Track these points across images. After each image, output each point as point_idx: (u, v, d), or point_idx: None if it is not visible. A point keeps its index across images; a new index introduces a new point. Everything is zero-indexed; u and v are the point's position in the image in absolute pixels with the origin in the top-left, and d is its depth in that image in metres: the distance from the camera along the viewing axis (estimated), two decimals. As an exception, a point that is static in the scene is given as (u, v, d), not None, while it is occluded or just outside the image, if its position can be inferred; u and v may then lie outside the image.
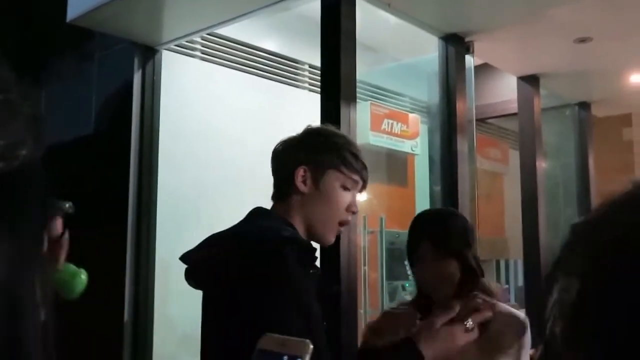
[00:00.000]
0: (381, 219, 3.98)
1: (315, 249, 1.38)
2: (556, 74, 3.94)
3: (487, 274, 5.85)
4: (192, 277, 1.44)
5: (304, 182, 1.42)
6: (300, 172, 1.42)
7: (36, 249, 0.42)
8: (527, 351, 1.69)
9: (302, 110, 3.74)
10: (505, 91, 4.22)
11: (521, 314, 1.75)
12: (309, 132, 1.50)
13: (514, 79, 4.03)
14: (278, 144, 1.51)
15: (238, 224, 1.44)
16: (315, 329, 1.26)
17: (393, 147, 4.19)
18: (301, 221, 1.42)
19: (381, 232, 3.90)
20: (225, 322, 1.30)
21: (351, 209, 1.44)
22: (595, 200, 4.46)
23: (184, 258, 1.45)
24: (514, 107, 4.08)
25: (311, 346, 0.59)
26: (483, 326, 1.51)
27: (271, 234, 1.33)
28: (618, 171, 5.11)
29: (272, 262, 1.25)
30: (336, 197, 1.42)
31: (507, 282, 6.05)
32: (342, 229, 1.45)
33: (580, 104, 4.59)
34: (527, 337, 1.67)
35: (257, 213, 1.46)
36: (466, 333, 1.42)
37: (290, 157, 1.45)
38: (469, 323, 1.43)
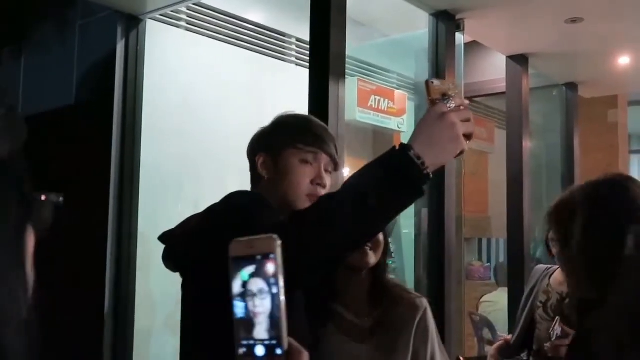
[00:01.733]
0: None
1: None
2: (545, 54, 3.92)
3: (469, 252, 5.88)
4: (170, 259, 1.42)
5: (265, 168, 1.46)
6: (260, 159, 1.46)
7: (17, 244, 0.41)
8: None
9: (288, 84, 3.69)
10: (493, 70, 4.19)
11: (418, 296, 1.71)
12: (271, 124, 1.53)
13: (502, 58, 4.01)
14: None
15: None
16: None
17: (379, 124, 4.16)
18: (274, 202, 1.40)
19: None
20: (200, 296, 1.29)
21: (316, 181, 1.42)
22: (579, 180, 4.49)
23: (162, 237, 1.43)
24: (502, 87, 4.06)
25: (279, 241, 0.60)
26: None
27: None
28: (602, 152, 5.14)
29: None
30: (296, 173, 1.42)
31: (489, 260, 6.10)
32: (313, 199, 1.40)
33: (568, 85, 4.59)
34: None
35: (234, 193, 1.46)
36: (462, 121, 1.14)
37: (252, 146, 1.51)
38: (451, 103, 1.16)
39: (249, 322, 0.60)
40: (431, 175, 1.11)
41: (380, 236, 1.61)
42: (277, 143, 1.44)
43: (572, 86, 4.58)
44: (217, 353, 1.05)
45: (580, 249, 1.25)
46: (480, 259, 6.00)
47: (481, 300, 4.79)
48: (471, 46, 3.86)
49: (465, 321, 4.32)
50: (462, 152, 1.15)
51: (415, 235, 3.30)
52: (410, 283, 3.34)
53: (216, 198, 1.43)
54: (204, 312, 1.29)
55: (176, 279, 1.42)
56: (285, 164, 1.42)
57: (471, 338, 4.56)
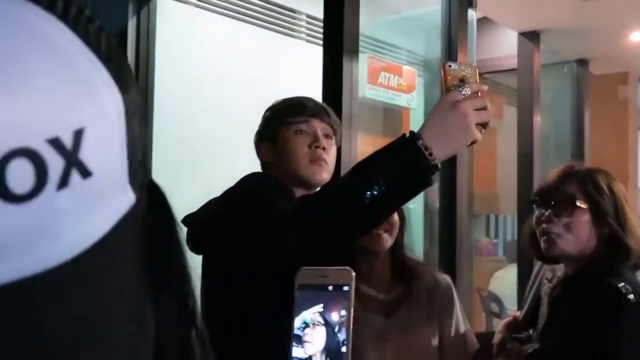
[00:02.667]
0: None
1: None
2: (557, 31, 3.89)
3: (477, 228, 5.89)
4: (191, 241, 1.45)
5: (267, 153, 1.51)
6: (262, 149, 1.53)
7: None
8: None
9: (299, 61, 3.68)
10: (504, 46, 4.17)
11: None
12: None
13: (513, 35, 3.98)
14: None
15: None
16: None
17: (389, 101, 4.15)
18: (286, 181, 1.46)
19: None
20: (215, 280, 1.32)
21: (314, 144, 1.46)
22: (589, 157, 4.49)
23: (184, 220, 1.45)
24: (512, 63, 4.04)
25: (354, 273, 0.57)
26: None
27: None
28: (612, 129, 5.13)
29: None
30: (292, 143, 1.47)
31: (497, 236, 6.13)
32: (322, 163, 1.47)
33: (579, 61, 4.56)
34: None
35: (249, 176, 1.52)
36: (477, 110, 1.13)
37: (254, 142, 1.57)
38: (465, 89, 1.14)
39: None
40: (439, 166, 1.12)
41: (395, 216, 1.63)
42: (271, 127, 1.51)
43: (583, 63, 4.55)
44: (227, 339, 1.08)
45: None
46: (488, 235, 6.03)
47: (493, 275, 4.84)
48: (482, 22, 3.83)
49: (475, 297, 4.36)
50: (474, 142, 1.15)
51: (424, 211, 3.32)
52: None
53: (228, 177, 1.48)
54: (219, 298, 1.33)
55: (197, 260, 1.44)
56: (282, 141, 1.48)
57: (480, 314, 4.61)
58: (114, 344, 0.29)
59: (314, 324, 0.55)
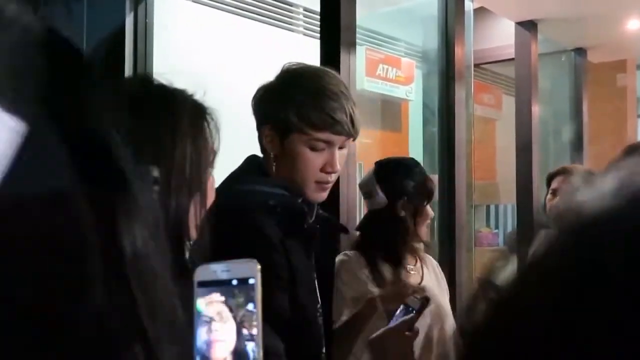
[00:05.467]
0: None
1: (302, 209, 1.29)
2: (554, 20, 3.89)
3: (478, 218, 5.92)
4: None
5: (271, 142, 1.31)
6: (265, 132, 1.32)
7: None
8: None
9: (296, 54, 3.68)
10: (502, 36, 4.17)
11: None
12: (278, 78, 1.34)
13: (511, 24, 3.98)
14: (256, 90, 1.39)
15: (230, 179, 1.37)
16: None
17: (388, 93, 4.16)
18: (285, 178, 1.33)
19: (376, 178, 3.92)
20: None
21: (326, 169, 1.28)
22: (587, 145, 4.50)
23: None
24: (510, 53, 4.05)
25: (259, 266, 0.53)
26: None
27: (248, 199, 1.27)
28: (611, 117, 5.13)
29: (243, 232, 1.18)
30: (304, 161, 1.28)
31: (497, 226, 6.14)
32: (328, 186, 1.32)
33: (577, 50, 4.56)
34: None
35: (248, 167, 1.37)
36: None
37: (257, 111, 1.34)
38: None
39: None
40: None
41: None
42: (284, 121, 1.28)
43: (580, 51, 4.55)
44: None
45: None
46: (488, 225, 6.04)
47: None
48: (480, 12, 3.84)
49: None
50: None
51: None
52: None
53: (224, 173, 1.45)
54: None
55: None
56: (292, 149, 1.28)
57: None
58: None
59: (221, 321, 0.51)
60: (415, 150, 4.08)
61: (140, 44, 3.14)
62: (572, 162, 4.30)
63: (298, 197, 1.31)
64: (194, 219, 0.92)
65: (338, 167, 1.31)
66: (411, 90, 4.23)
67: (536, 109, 3.89)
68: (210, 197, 0.99)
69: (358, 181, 3.82)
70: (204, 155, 0.96)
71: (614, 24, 4.05)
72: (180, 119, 0.91)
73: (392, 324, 1.38)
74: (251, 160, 1.39)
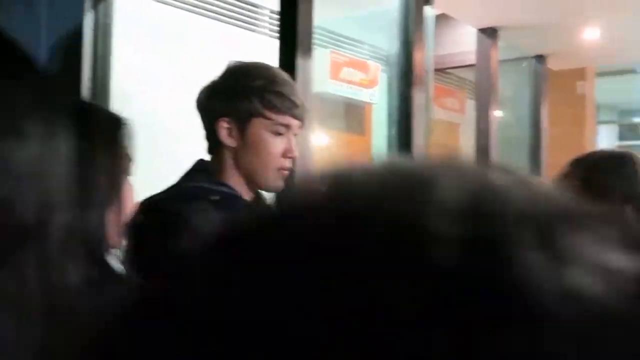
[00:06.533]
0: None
1: (245, 203, 1.30)
2: (515, 27, 3.97)
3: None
4: None
5: (230, 135, 1.30)
6: (223, 124, 1.30)
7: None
8: None
9: (262, 56, 3.68)
10: (464, 42, 4.24)
11: None
12: (226, 75, 1.37)
13: (472, 30, 4.05)
14: (200, 90, 1.40)
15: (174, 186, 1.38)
16: None
17: (352, 96, 4.20)
18: (238, 174, 1.32)
19: (337, 181, 3.95)
20: None
21: (288, 154, 1.31)
22: (546, 151, 4.58)
23: None
24: (472, 59, 4.11)
25: None
26: None
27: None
28: (571, 124, 5.24)
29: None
30: (267, 147, 1.29)
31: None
32: (287, 172, 1.34)
33: (537, 57, 4.65)
34: None
35: (193, 172, 1.38)
36: None
37: (210, 107, 1.34)
38: None
39: None
40: None
41: None
42: (243, 110, 1.29)
43: (540, 58, 4.64)
44: None
45: None
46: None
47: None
48: (442, 19, 3.89)
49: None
50: None
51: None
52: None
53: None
54: None
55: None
56: (254, 136, 1.29)
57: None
58: None
59: None
60: (378, 153, 4.12)
61: (100, 44, 3.12)
62: (531, 167, 4.39)
63: (240, 197, 1.32)
64: (114, 226, 0.94)
65: (296, 152, 1.34)
66: (375, 93, 4.27)
67: (495, 115, 3.96)
68: (129, 204, 1.05)
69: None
70: (118, 164, 0.99)
71: (572, 32, 4.14)
72: (93, 129, 0.93)
73: None
74: (198, 163, 1.41)
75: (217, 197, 1.28)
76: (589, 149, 5.31)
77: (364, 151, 4.40)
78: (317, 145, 4.05)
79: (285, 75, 1.37)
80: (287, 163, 1.33)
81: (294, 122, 1.32)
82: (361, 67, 4.21)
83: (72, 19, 3.19)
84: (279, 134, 1.30)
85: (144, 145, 3.46)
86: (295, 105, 1.31)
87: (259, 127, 1.29)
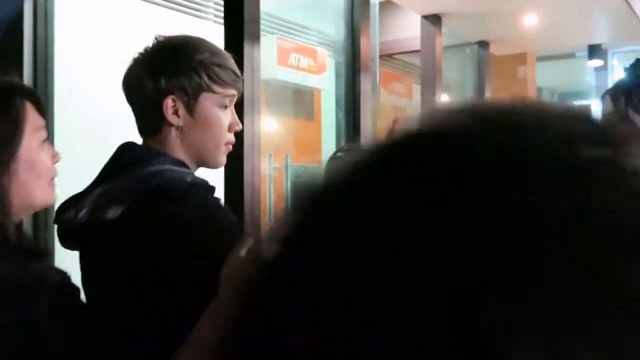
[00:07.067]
0: (286, 156, 4.05)
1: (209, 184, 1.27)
2: (458, 14, 4.05)
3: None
4: (71, 241, 1.29)
5: (176, 113, 1.24)
6: (169, 103, 1.23)
7: None
8: None
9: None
10: (410, 28, 4.31)
11: None
12: (164, 52, 1.29)
13: (417, 17, 4.12)
14: (127, 69, 1.32)
15: (116, 169, 1.28)
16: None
17: (300, 82, 4.21)
18: (185, 153, 1.27)
19: (286, 167, 3.97)
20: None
21: (234, 127, 1.30)
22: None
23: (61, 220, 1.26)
24: (417, 44, 4.18)
25: None
26: None
27: (181, 183, 1.19)
28: (512, 107, 5.40)
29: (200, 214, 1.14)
30: (216, 121, 1.26)
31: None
32: (231, 147, 1.33)
33: (480, 43, 4.76)
34: None
35: (133, 154, 1.29)
36: None
37: (150, 86, 1.25)
38: None
39: None
40: None
41: None
42: (193, 85, 1.24)
43: (483, 44, 4.76)
44: None
45: None
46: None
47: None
48: (388, 5, 3.94)
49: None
50: None
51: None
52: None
53: None
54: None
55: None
56: (204, 112, 1.25)
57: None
58: None
59: None
60: (328, 138, 4.16)
61: (40, 29, 3.04)
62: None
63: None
64: (19, 192, 1.03)
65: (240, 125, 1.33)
66: (323, 79, 4.29)
67: (441, 99, 4.05)
68: (46, 168, 1.12)
69: (267, 170, 3.87)
70: (13, 131, 1.06)
71: (512, 19, 4.26)
72: None
73: None
74: (130, 146, 1.34)
75: (191, 179, 1.22)
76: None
77: (314, 137, 4.43)
78: (267, 132, 4.06)
79: (219, 48, 1.33)
80: (232, 137, 1.31)
81: (236, 95, 1.30)
82: (309, 53, 4.22)
83: (10, 5, 3.10)
84: (226, 106, 1.28)
85: (87, 129, 3.41)
86: (238, 77, 1.29)
87: (208, 103, 1.25)
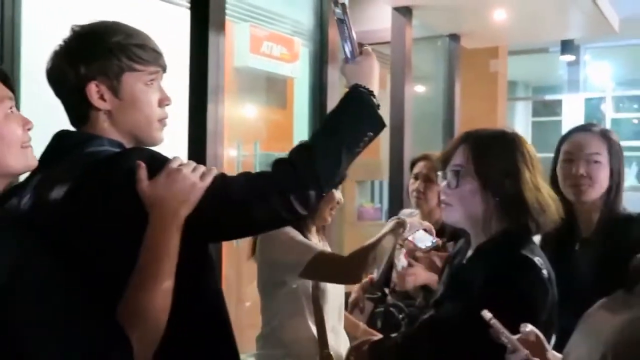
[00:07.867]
0: (255, 143, 4.09)
1: None
2: (428, 6, 4.09)
3: (361, 194, 6.10)
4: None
5: (102, 97, 1.26)
6: (93, 88, 1.25)
7: None
8: None
9: (178, 28, 3.66)
10: (380, 19, 4.34)
11: None
12: (80, 39, 1.30)
13: (388, 8, 4.15)
14: (48, 61, 1.33)
15: (55, 157, 1.28)
16: None
17: (273, 70, 4.23)
18: (119, 135, 1.29)
19: (255, 156, 4.01)
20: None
21: (164, 103, 1.32)
22: (459, 127, 4.79)
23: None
24: (388, 36, 4.22)
25: None
26: None
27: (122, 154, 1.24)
28: (483, 101, 5.49)
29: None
30: (144, 99, 1.29)
31: (380, 201, 6.43)
32: (165, 122, 1.35)
33: (451, 36, 4.81)
34: None
35: (70, 139, 1.30)
36: None
37: (71, 75, 1.26)
38: None
39: None
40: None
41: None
42: (113, 67, 1.25)
43: (454, 37, 4.81)
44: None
45: None
46: (372, 200, 6.31)
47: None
48: (360, -5, 3.97)
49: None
50: None
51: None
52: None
53: None
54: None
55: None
56: (130, 91, 1.27)
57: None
58: None
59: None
60: (300, 127, 4.19)
61: (7, 11, 3.02)
62: (444, 143, 4.58)
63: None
64: None
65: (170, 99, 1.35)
66: (296, 68, 4.31)
67: (409, 92, 4.10)
68: (15, 135, 1.14)
69: (236, 159, 3.89)
70: None
71: (483, 13, 4.31)
72: None
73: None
74: (66, 133, 1.33)
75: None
76: (500, 124, 5.59)
77: (286, 125, 4.46)
78: (238, 120, 4.08)
79: (145, 33, 1.35)
80: (165, 112, 1.33)
81: (160, 71, 1.32)
82: (282, 41, 4.24)
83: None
84: (150, 83, 1.29)
85: (55, 109, 3.38)
86: (159, 54, 1.31)
87: (132, 82, 1.27)
